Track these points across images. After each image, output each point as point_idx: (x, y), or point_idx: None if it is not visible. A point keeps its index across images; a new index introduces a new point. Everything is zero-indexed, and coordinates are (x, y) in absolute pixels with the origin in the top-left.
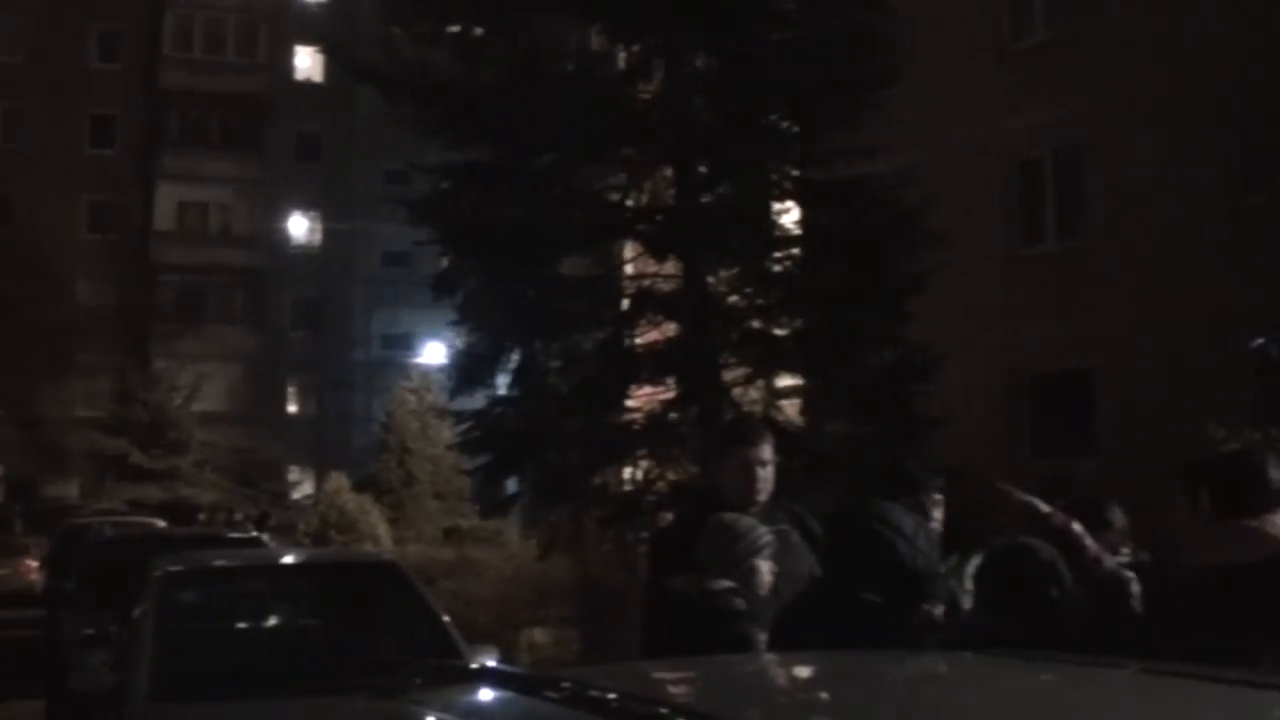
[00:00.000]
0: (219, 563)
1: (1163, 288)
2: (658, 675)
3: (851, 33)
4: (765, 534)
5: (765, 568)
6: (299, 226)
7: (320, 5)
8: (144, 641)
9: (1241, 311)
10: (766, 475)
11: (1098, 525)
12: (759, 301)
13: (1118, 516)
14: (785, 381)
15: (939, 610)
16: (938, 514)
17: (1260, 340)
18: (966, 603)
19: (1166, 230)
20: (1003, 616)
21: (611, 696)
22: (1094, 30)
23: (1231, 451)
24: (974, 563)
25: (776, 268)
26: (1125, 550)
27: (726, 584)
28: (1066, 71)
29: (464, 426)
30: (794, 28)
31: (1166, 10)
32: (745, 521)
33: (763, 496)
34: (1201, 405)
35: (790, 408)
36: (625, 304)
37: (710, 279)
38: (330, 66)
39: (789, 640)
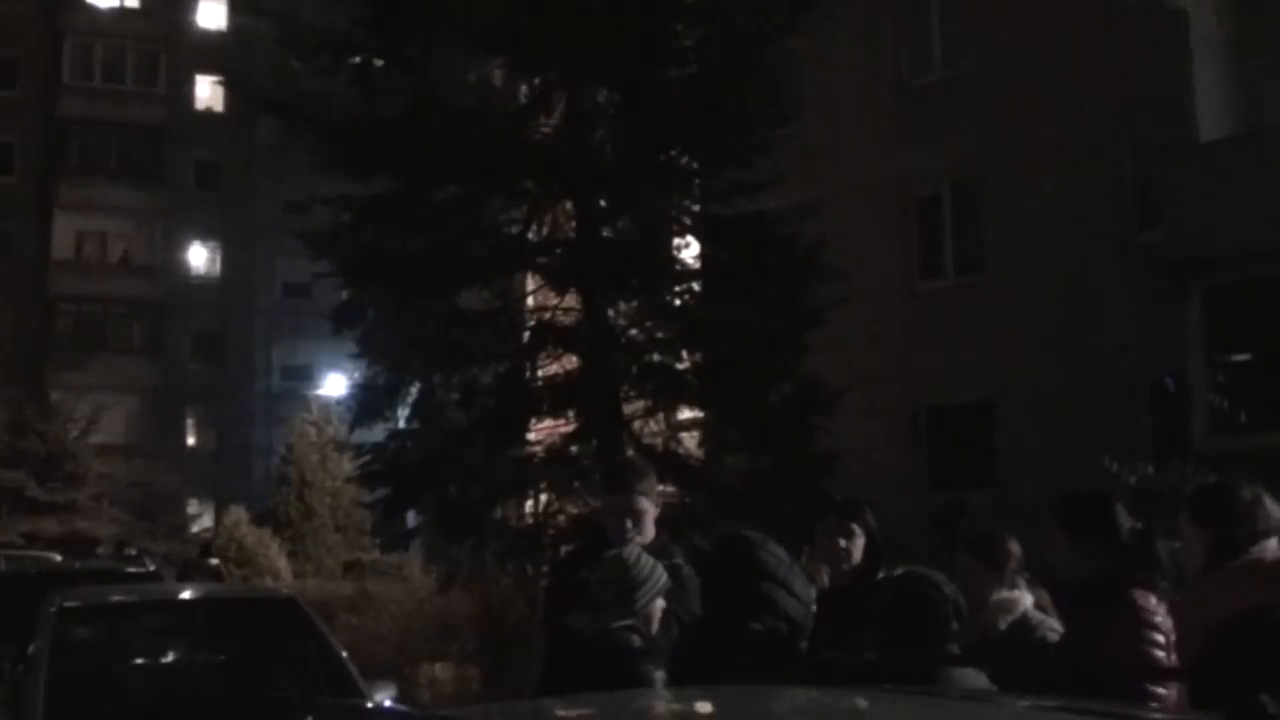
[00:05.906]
0: (115, 598)
1: (1060, 321)
2: (556, 714)
3: (750, 70)
4: (659, 570)
5: (658, 604)
6: (198, 256)
7: (221, 34)
8: (38, 679)
9: (1137, 345)
10: (634, 525)
11: (996, 559)
12: (659, 335)
13: (1014, 548)
14: (685, 414)
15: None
16: (859, 545)
17: (1168, 377)
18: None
19: (1063, 265)
20: (904, 650)
21: None
22: (990, 67)
23: (1215, 484)
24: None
25: (676, 301)
26: (1020, 580)
27: (623, 621)
28: (964, 108)
29: (363, 459)
30: (693, 64)
31: (1061, 47)
32: (640, 557)
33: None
34: (1097, 438)
35: (690, 440)
36: (525, 337)
37: (610, 312)
38: (231, 96)
39: (686, 674)
